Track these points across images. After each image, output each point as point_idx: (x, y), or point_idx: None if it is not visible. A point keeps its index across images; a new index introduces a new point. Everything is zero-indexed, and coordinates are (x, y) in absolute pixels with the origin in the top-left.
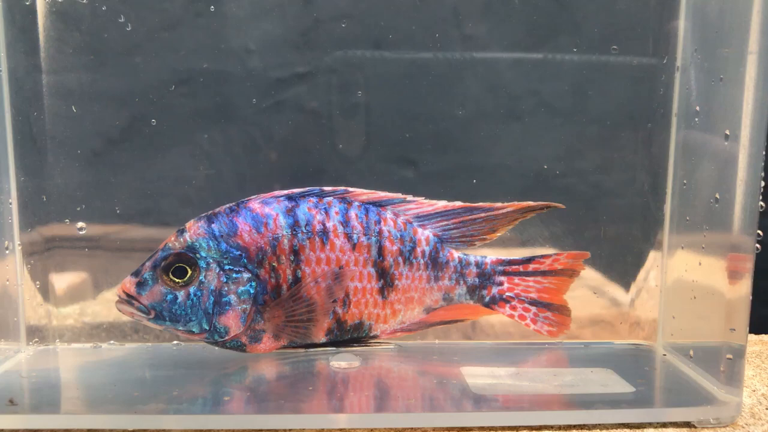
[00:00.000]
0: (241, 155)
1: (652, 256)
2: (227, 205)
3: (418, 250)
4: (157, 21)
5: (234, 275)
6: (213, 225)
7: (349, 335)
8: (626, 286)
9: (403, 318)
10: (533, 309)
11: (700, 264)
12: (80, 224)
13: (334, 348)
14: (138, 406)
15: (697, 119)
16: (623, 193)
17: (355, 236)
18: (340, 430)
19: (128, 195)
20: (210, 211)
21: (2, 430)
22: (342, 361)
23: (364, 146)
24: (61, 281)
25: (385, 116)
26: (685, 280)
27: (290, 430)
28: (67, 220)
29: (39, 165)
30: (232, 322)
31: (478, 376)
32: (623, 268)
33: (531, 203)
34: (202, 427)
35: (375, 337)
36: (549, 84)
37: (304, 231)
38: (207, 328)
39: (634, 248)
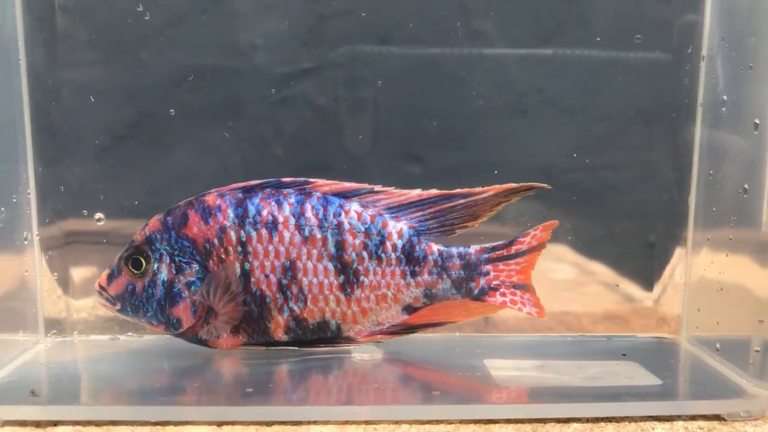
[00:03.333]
0: (261, 149)
1: (676, 247)
2: (189, 198)
3: (388, 244)
4: (171, 14)
5: (184, 267)
6: (168, 217)
7: (315, 335)
8: (650, 279)
9: (378, 318)
10: (518, 292)
11: (727, 255)
12: (98, 215)
13: (296, 347)
14: (160, 397)
15: (724, 109)
16: (646, 186)
17: (307, 229)
18: (365, 422)
19: (147, 187)
20: (174, 204)
21: (24, 421)
22: (364, 353)
23: (370, 142)
24: (80, 273)
25: (392, 112)
26: (711, 272)
27: (314, 422)
28: (84, 212)
29: (57, 156)
30: (183, 314)
31: (502, 368)
32: (647, 261)
33: (513, 185)
34: (224, 419)
35: (349, 339)
36: (569, 76)
37: (252, 222)
38: (162, 319)
39: (659, 240)
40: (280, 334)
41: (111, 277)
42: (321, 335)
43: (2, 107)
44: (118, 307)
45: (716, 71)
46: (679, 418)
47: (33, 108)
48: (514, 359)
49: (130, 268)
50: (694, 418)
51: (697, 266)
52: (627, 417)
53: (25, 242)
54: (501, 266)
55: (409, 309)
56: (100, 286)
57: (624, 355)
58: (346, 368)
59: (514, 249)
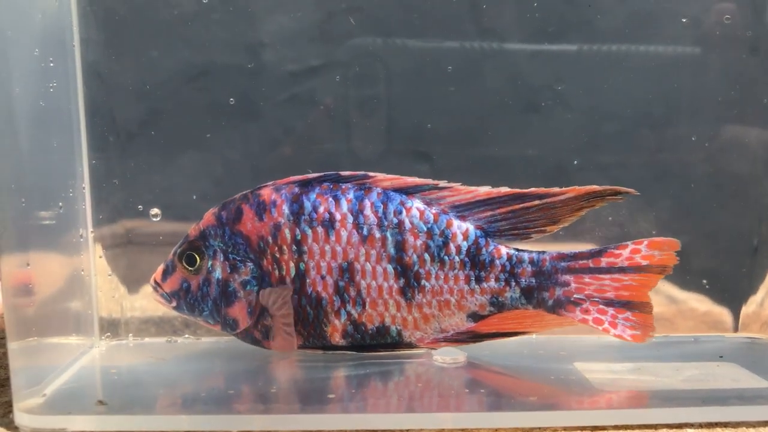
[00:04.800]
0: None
1: None
2: (245, 191)
3: (452, 245)
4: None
5: (238, 265)
6: (222, 212)
7: (375, 340)
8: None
9: (441, 325)
10: (610, 310)
11: None
12: (155, 211)
13: (355, 352)
14: (237, 405)
15: None
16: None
17: (365, 228)
18: (461, 430)
19: (205, 182)
20: (230, 197)
21: None
22: (446, 356)
23: (380, 139)
24: (135, 272)
25: (401, 108)
26: None
27: (407, 430)
28: (140, 207)
29: (112, 149)
30: (239, 314)
31: (595, 371)
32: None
33: (595, 187)
34: (313, 428)
35: (411, 345)
36: (652, 58)
37: (308, 219)
38: (218, 319)
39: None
40: (337, 339)
41: (166, 273)
42: (381, 341)
43: (57, 97)
44: (174, 304)
45: None
46: None
47: (87, 98)
48: (604, 362)
49: (184, 264)
50: None
51: None
52: (744, 422)
53: (81, 239)
54: (587, 278)
55: (475, 317)
56: (156, 282)
57: (721, 356)
58: (429, 372)
59: (604, 262)
